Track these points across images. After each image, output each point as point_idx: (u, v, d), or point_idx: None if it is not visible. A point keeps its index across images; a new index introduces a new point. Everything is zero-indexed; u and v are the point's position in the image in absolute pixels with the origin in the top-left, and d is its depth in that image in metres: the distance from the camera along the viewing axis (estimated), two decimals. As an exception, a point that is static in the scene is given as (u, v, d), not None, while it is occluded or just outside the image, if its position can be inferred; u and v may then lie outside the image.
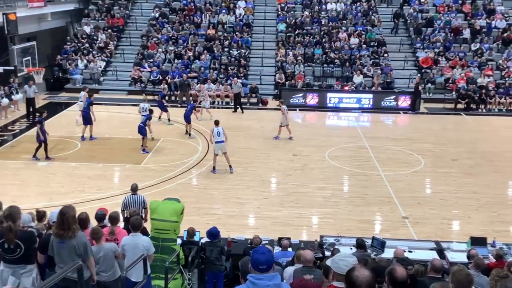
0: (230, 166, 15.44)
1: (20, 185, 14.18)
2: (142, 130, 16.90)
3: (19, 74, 21.84)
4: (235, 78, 23.99)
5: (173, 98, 24.23)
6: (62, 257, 6.11)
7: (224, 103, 24.22)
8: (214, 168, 15.43)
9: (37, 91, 21.47)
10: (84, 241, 6.19)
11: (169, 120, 20.54)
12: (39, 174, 15.17)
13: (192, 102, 21.66)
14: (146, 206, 10.29)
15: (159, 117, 20.58)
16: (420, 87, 23.78)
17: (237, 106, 23.00)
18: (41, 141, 15.83)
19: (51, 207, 9.62)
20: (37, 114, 16.10)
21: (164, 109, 20.59)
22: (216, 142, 15.21)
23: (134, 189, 10.64)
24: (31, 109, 21.10)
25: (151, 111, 17.94)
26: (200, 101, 21.67)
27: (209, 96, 24.02)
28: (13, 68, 20.64)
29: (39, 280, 6.51)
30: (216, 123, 15.50)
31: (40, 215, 8.83)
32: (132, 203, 10.35)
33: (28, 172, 15.28)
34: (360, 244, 9.01)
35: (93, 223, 8.15)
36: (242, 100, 23.44)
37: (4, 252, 6.03)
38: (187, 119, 18.90)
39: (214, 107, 23.63)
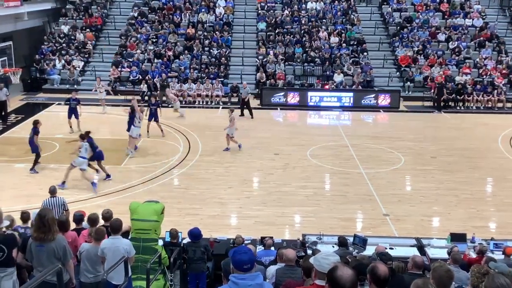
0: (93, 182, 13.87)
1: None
2: None
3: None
4: (245, 83, 23.22)
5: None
6: (40, 261, 6.02)
7: (204, 103, 24.13)
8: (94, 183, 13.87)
9: (8, 94, 20.61)
10: (63, 245, 6.12)
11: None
12: (16, 176, 14.87)
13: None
14: (67, 208, 10.12)
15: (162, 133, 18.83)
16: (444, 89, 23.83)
17: (244, 110, 22.03)
18: (38, 151, 15.06)
19: (29, 210, 9.43)
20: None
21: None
22: (80, 157, 13.72)
23: (53, 191, 10.31)
24: (2, 113, 20.21)
25: None
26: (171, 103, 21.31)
27: (189, 96, 24.00)
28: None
29: (18, 283, 6.39)
30: (83, 137, 13.98)
31: (25, 217, 8.71)
32: (51, 205, 9.95)
33: (4, 175, 14.96)
34: (342, 242, 9.06)
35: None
36: (223, 100, 23.34)
37: None
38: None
39: (195, 107, 23.57)
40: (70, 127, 18.97)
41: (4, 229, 6.78)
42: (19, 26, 25.80)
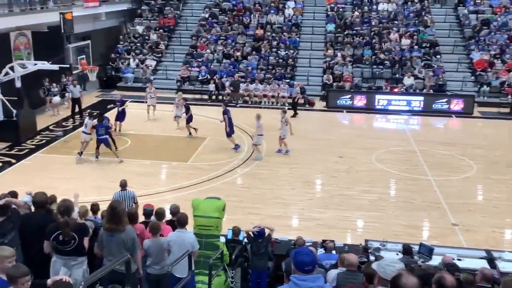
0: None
1: (70, 179, 14.65)
2: None
3: (74, 72, 22.57)
4: (297, 83, 23.57)
5: (220, 97, 24.47)
6: (111, 251, 6.28)
7: (270, 103, 24.25)
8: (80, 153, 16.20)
9: (81, 91, 21.73)
10: (133, 236, 6.35)
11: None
12: (89, 169, 15.67)
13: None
14: (137, 201, 10.51)
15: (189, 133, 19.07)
16: None
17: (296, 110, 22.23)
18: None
19: (100, 201, 9.90)
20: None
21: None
22: (82, 132, 16.51)
23: (123, 185, 10.70)
24: (76, 109, 21.56)
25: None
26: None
27: (256, 96, 24.24)
28: (68, 65, 21.30)
29: (88, 272, 6.72)
30: (91, 115, 17.02)
31: (94, 209, 9.15)
32: (122, 198, 10.30)
33: (78, 166, 15.81)
34: (406, 250, 8.82)
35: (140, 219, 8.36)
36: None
37: (59, 244, 6.18)
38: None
39: (261, 107, 23.75)
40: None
41: (77, 219, 7.16)
42: (97, 25, 27.07)
